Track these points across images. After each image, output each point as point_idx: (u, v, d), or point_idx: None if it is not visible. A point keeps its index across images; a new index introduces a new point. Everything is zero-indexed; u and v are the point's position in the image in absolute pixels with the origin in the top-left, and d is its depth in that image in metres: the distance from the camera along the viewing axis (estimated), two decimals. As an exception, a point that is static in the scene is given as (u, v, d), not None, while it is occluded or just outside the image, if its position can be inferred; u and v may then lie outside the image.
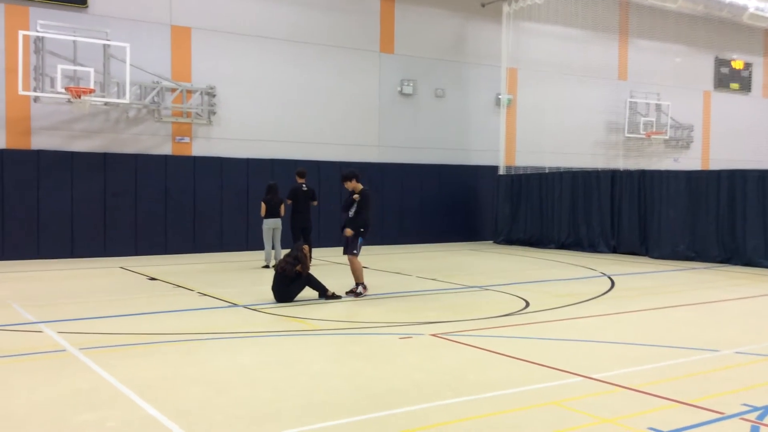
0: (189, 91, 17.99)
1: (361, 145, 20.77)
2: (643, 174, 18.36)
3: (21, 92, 15.39)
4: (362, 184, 11.13)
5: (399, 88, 21.40)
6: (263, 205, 14.68)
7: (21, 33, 15.27)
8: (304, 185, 14.70)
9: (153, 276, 13.34)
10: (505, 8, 22.02)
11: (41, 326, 8.54)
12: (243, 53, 18.83)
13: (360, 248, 10.92)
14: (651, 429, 4.98)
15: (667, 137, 26.75)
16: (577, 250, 19.31)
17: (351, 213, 10.98)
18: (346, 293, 10.85)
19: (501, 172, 22.33)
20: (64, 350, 7.32)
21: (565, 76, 24.08)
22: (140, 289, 11.80)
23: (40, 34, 15.48)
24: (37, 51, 15.58)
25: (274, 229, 14.72)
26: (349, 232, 10.86)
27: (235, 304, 10.22)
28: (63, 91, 15.39)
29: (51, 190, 16.27)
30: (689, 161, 27.41)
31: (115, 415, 5.26)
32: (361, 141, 20.81)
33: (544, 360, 6.93)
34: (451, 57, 22.35)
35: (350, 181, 11.01)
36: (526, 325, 8.82)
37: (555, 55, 23.76)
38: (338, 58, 20.30)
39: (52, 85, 15.56)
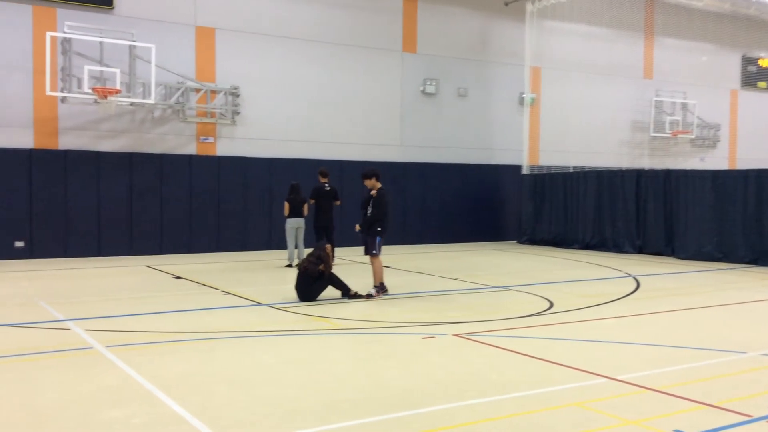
0: (213, 92, 18.12)
1: (384, 145, 20.79)
2: (668, 173, 18.16)
3: (48, 93, 15.62)
4: (382, 183, 11.11)
5: (421, 88, 21.37)
6: (287, 205, 14.75)
7: (48, 34, 15.48)
8: (326, 185, 14.75)
9: (178, 275, 13.46)
10: (529, 7, 21.89)
11: (69, 324, 8.66)
12: (266, 53, 18.93)
13: (380, 248, 10.90)
14: (677, 431, 4.94)
15: (693, 136, 26.43)
16: (601, 250, 19.16)
17: (368, 212, 10.99)
18: (368, 294, 10.84)
19: (524, 171, 22.20)
20: (91, 348, 7.42)
21: (590, 74, 23.90)
22: (166, 288, 11.91)
23: (67, 36, 15.68)
24: (64, 52, 15.78)
25: (297, 229, 14.78)
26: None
27: (259, 303, 10.28)
28: (90, 91, 15.58)
29: (78, 189, 16.49)
30: (716, 161, 27.07)
31: (142, 412, 5.32)
32: (384, 140, 20.82)
33: (568, 361, 6.89)
34: (474, 56, 22.28)
35: (370, 179, 11.02)
36: (550, 326, 8.77)
37: (579, 53, 23.59)
38: (361, 57, 20.34)
39: (79, 85, 15.75)
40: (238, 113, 18.50)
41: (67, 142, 16.61)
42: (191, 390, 5.91)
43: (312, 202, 14.74)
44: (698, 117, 26.43)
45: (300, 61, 19.42)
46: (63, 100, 16.08)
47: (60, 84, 15.80)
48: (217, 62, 18.29)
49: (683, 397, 5.73)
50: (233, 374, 6.44)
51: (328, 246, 10.86)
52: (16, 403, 5.57)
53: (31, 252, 16.02)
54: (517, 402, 5.64)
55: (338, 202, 15.02)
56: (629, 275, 13.98)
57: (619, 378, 6.28)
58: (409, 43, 21.17)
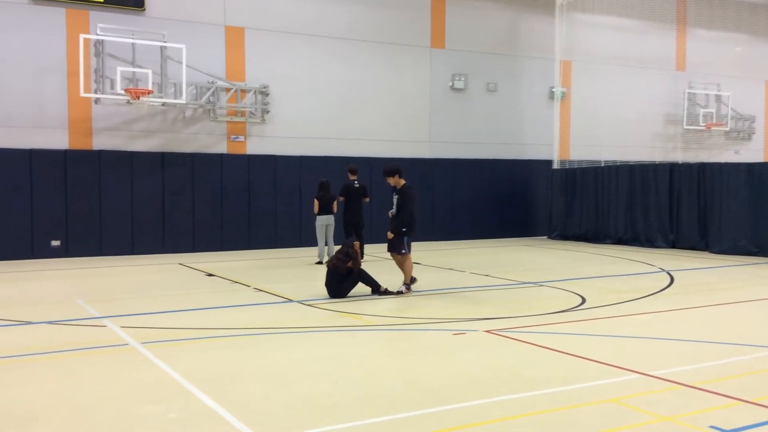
0: (243, 91, 18.28)
1: (413, 141, 20.78)
2: (702, 167, 17.89)
3: (82, 94, 15.88)
4: (410, 180, 11.02)
5: (450, 83, 21.31)
6: (316, 202, 14.83)
7: (82, 36, 15.74)
8: (356, 182, 14.79)
9: (210, 272, 13.61)
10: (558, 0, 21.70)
11: (105, 321, 8.81)
12: (295, 52, 19.03)
13: (408, 246, 10.80)
14: (713, 428, 4.88)
15: (727, 129, 25.98)
16: (634, 245, 18.95)
17: (393, 211, 10.86)
18: (397, 291, 10.82)
19: (555, 166, 22.03)
20: (126, 344, 7.54)
21: (621, 67, 23.62)
22: (198, 285, 12.06)
23: (100, 38, 15.93)
24: (97, 54, 16.04)
25: (327, 226, 14.85)
26: (390, 235, 10.74)
27: (290, 300, 10.36)
28: (122, 92, 15.83)
29: (112, 189, 16.75)
30: (751, 153, 26.54)
31: (177, 407, 5.40)
32: (413, 137, 20.81)
33: (601, 357, 6.84)
34: (503, 50, 22.15)
35: (393, 176, 10.86)
36: (582, 322, 8.71)
37: (610, 46, 23.31)
38: (389, 54, 20.34)
39: (112, 87, 16.02)
40: (267, 112, 18.64)
41: (101, 142, 16.88)
42: (225, 385, 5.99)
43: (341, 199, 14.79)
44: (732, 109, 25.97)
45: (328, 58, 19.49)
46: (96, 101, 16.34)
47: (93, 85, 16.06)
48: (246, 61, 18.43)
49: (718, 393, 5.66)
50: (266, 370, 6.50)
51: (357, 243, 10.84)
52: (54, 398, 5.69)
53: (67, 251, 16.32)
54: (550, 398, 5.62)
55: (367, 199, 15.05)
56: (662, 270, 13.81)
57: (653, 374, 6.22)
58: (438, 38, 21.11)
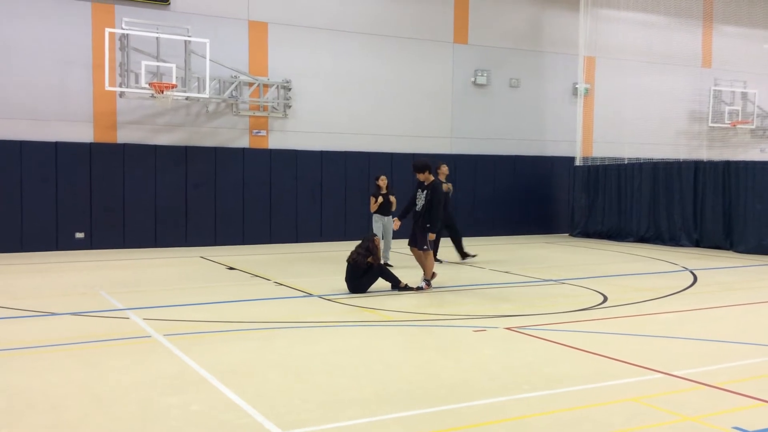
0: (266, 85, 18.33)
1: (434, 137, 20.72)
2: (727, 165, 17.67)
3: (107, 88, 16.02)
4: (433, 175, 11.02)
5: (473, 79, 21.22)
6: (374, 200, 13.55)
7: (107, 30, 15.87)
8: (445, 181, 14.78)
9: (231, 265, 13.69)
10: (583, -5, 21.52)
11: (128, 313, 8.90)
12: (318, 47, 19.05)
13: (430, 242, 10.77)
14: (736, 428, 4.83)
15: (753, 126, 25.62)
16: (657, 243, 18.77)
17: (419, 207, 10.82)
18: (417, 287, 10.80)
19: (577, 163, 21.87)
20: (149, 336, 7.61)
21: (646, 64, 23.36)
22: (220, 278, 12.13)
23: (125, 32, 16.06)
24: (122, 48, 16.18)
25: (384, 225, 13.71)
26: (396, 222, 11.08)
27: (310, 294, 10.39)
28: (147, 86, 15.94)
29: (135, 182, 16.90)
30: (778, 151, 26.19)
31: (199, 399, 5.44)
32: (434, 132, 20.76)
33: (623, 356, 6.78)
34: (526, 46, 22.01)
35: (423, 172, 10.84)
36: (604, 320, 8.65)
37: (635, 42, 23.05)
38: (412, 49, 20.29)
39: (137, 80, 16.13)
40: (289, 106, 18.68)
41: (125, 135, 17.03)
42: (246, 378, 6.03)
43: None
44: (758, 107, 25.60)
45: (351, 53, 19.49)
46: (121, 94, 16.48)
47: (118, 79, 16.20)
48: (269, 56, 18.48)
49: (742, 393, 5.60)
50: (287, 364, 6.53)
51: (377, 238, 10.84)
52: (77, 388, 5.76)
53: (91, 243, 16.49)
54: (572, 396, 5.59)
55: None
56: (686, 269, 13.67)
57: (675, 374, 6.16)
58: (461, 33, 21.02)
